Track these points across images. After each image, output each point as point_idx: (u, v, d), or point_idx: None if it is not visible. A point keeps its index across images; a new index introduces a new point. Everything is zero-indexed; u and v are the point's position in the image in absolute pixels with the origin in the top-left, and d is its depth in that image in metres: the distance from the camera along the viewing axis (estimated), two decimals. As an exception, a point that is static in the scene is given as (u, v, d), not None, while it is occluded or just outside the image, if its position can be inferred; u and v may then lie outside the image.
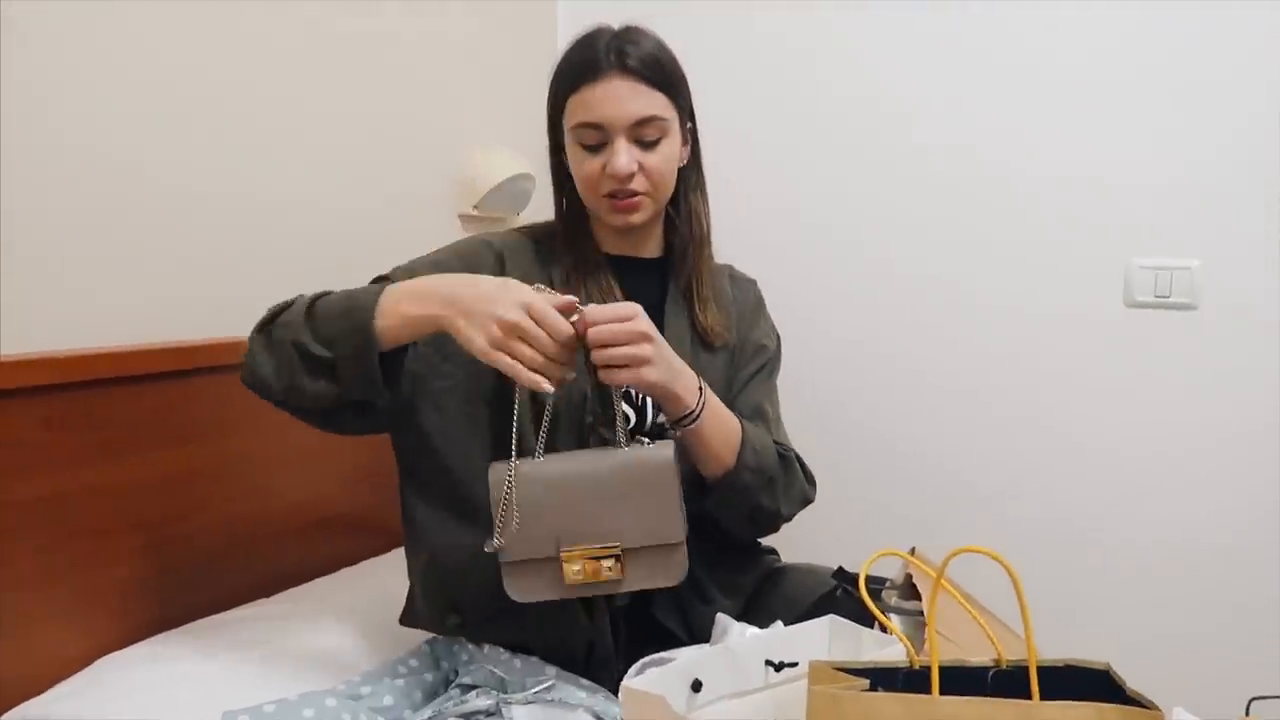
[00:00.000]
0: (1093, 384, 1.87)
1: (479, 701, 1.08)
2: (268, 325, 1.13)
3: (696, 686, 0.94)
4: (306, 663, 1.24)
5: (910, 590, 1.12)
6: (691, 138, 1.28)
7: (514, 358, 0.99)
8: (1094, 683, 0.80)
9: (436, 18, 1.89)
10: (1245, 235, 1.75)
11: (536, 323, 0.99)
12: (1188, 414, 1.81)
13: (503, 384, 1.13)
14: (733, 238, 1.41)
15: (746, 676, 0.97)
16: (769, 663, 0.98)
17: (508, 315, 0.99)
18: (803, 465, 1.33)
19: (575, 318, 1.03)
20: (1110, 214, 1.83)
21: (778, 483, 1.25)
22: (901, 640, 0.84)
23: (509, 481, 1.05)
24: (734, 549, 1.33)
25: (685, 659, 0.97)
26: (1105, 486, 1.87)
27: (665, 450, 1.07)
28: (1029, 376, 1.92)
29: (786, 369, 1.42)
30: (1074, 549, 1.89)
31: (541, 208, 1.62)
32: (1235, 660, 1.76)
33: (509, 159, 1.97)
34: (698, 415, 1.15)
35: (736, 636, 1.09)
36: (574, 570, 1.04)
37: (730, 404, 1.26)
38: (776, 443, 1.28)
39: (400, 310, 1.05)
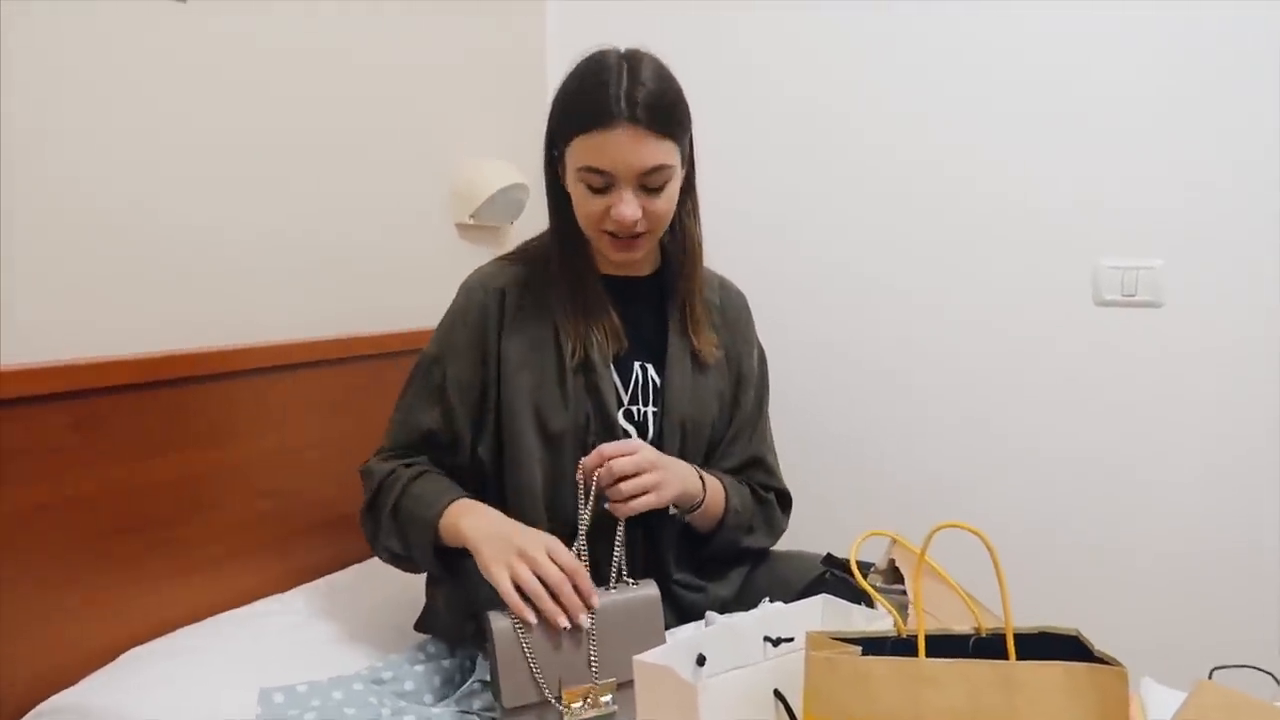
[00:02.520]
0: (1066, 377, 1.96)
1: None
2: (369, 514, 1.31)
3: (700, 661, 1.01)
4: (327, 651, 1.31)
5: (894, 575, 1.20)
6: (689, 163, 1.31)
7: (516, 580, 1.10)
8: (1065, 647, 0.88)
9: (431, 38, 1.96)
10: (1204, 235, 1.84)
11: (552, 558, 1.12)
12: (1154, 404, 1.90)
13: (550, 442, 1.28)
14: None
15: (746, 651, 1.04)
16: (767, 639, 1.06)
17: (529, 550, 1.12)
18: (780, 497, 1.46)
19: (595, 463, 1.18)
20: (1078, 216, 1.92)
21: (758, 527, 1.41)
22: (890, 610, 0.92)
23: (522, 638, 1.10)
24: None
25: (689, 636, 1.05)
26: (1078, 477, 1.95)
27: (651, 590, 1.16)
28: (1005, 373, 2.01)
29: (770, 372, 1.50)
30: (1047, 537, 1.98)
31: (533, 215, 1.69)
32: (1198, 636, 1.85)
33: (503, 170, 2.04)
34: (703, 500, 1.30)
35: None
36: (577, 707, 1.11)
37: (733, 441, 1.40)
38: (759, 486, 1.42)
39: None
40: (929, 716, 0.83)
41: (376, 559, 1.67)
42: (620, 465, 1.17)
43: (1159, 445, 1.90)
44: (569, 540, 1.16)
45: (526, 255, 1.38)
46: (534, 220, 1.51)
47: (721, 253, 1.46)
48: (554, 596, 1.10)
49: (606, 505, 1.19)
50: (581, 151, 1.21)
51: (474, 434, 1.30)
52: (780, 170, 2.17)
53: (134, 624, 1.33)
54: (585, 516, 1.16)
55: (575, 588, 1.11)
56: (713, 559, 1.39)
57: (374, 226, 1.84)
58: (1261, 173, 1.80)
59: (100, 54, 1.35)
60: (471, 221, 2.05)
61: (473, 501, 1.22)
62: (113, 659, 1.28)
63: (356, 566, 1.66)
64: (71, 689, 1.21)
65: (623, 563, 1.17)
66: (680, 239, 1.35)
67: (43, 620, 1.23)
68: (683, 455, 1.32)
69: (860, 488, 2.13)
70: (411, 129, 1.93)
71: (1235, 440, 1.85)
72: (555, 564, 1.11)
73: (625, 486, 1.17)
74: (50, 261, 1.30)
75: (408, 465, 1.29)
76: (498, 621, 1.10)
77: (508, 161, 2.07)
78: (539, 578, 1.10)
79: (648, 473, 1.19)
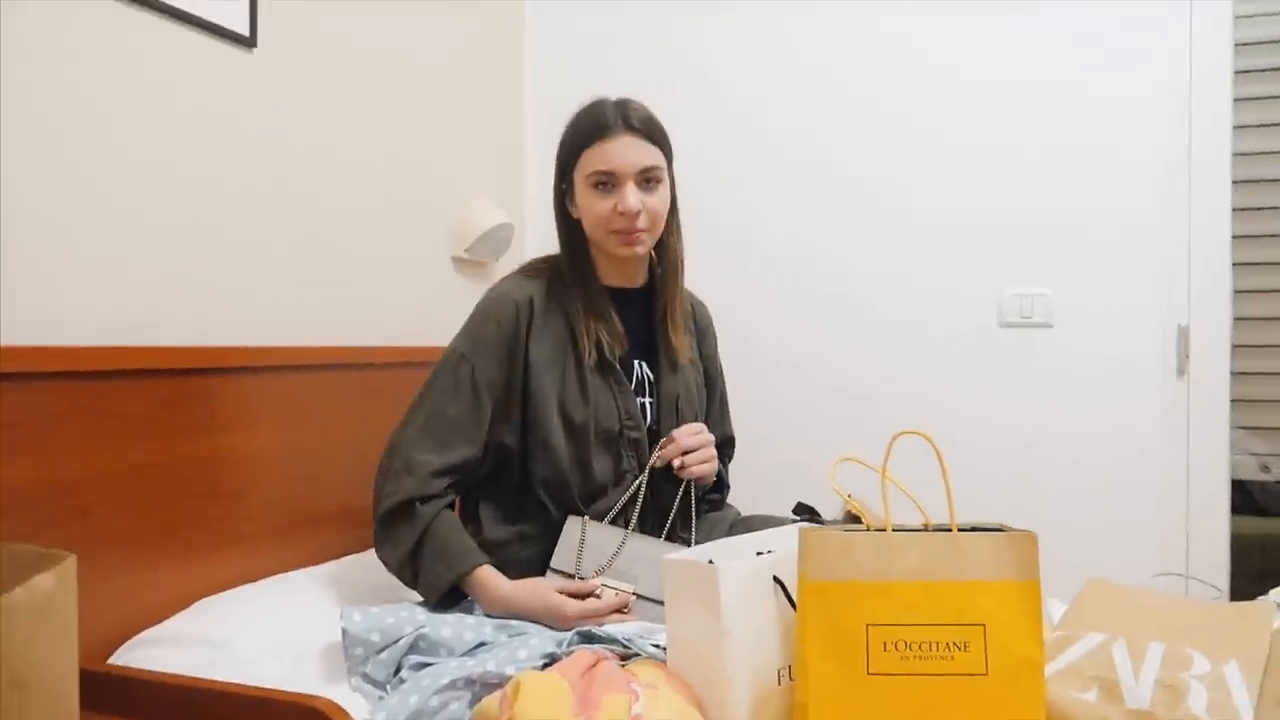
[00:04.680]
0: (975, 390, 2.30)
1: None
2: (385, 535, 1.47)
3: (710, 562, 1.27)
4: (378, 601, 1.52)
5: (850, 519, 1.49)
6: (671, 187, 1.57)
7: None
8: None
9: (435, 96, 2.26)
10: (1087, 268, 2.22)
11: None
12: (1049, 407, 2.25)
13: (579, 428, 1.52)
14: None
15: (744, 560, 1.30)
16: (758, 552, 1.32)
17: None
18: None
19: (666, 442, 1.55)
20: (987, 249, 2.29)
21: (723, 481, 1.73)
22: (859, 511, 1.21)
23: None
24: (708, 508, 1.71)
25: (701, 549, 1.31)
26: (987, 467, 2.26)
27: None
28: (925, 381, 2.33)
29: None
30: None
31: (516, 253, 1.96)
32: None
33: (494, 211, 2.32)
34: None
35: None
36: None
37: (712, 426, 1.69)
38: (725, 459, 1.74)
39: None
40: (896, 572, 1.11)
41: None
42: (689, 441, 1.54)
43: (1054, 440, 2.25)
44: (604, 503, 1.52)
45: (539, 272, 1.60)
46: (516, 258, 1.79)
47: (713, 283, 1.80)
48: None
49: (676, 470, 1.54)
50: (590, 161, 1.49)
51: (496, 426, 1.51)
52: (728, 191, 2.45)
53: (200, 580, 1.53)
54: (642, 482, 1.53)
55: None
56: (703, 518, 1.65)
57: (387, 255, 2.10)
58: (1137, 217, 2.19)
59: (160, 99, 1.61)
60: (466, 255, 2.32)
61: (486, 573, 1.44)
62: (183, 609, 1.47)
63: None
64: (160, 625, 1.40)
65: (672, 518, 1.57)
66: (666, 255, 1.62)
67: (124, 570, 1.41)
68: None
69: (794, 481, 2.38)
70: (417, 174, 2.20)
71: (1116, 433, 2.21)
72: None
73: (691, 457, 1.55)
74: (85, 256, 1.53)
75: (424, 500, 1.45)
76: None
77: (496, 203, 2.36)
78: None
79: (707, 446, 1.57)
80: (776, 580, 1.22)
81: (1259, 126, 2.30)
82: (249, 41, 1.72)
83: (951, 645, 1.09)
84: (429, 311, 2.22)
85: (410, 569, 1.43)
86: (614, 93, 1.59)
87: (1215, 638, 1.17)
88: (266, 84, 1.77)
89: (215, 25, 1.65)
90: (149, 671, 1.26)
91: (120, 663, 1.33)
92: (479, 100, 2.45)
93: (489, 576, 1.42)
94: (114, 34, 1.48)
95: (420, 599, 1.44)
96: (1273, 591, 1.32)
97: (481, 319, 1.54)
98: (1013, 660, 1.08)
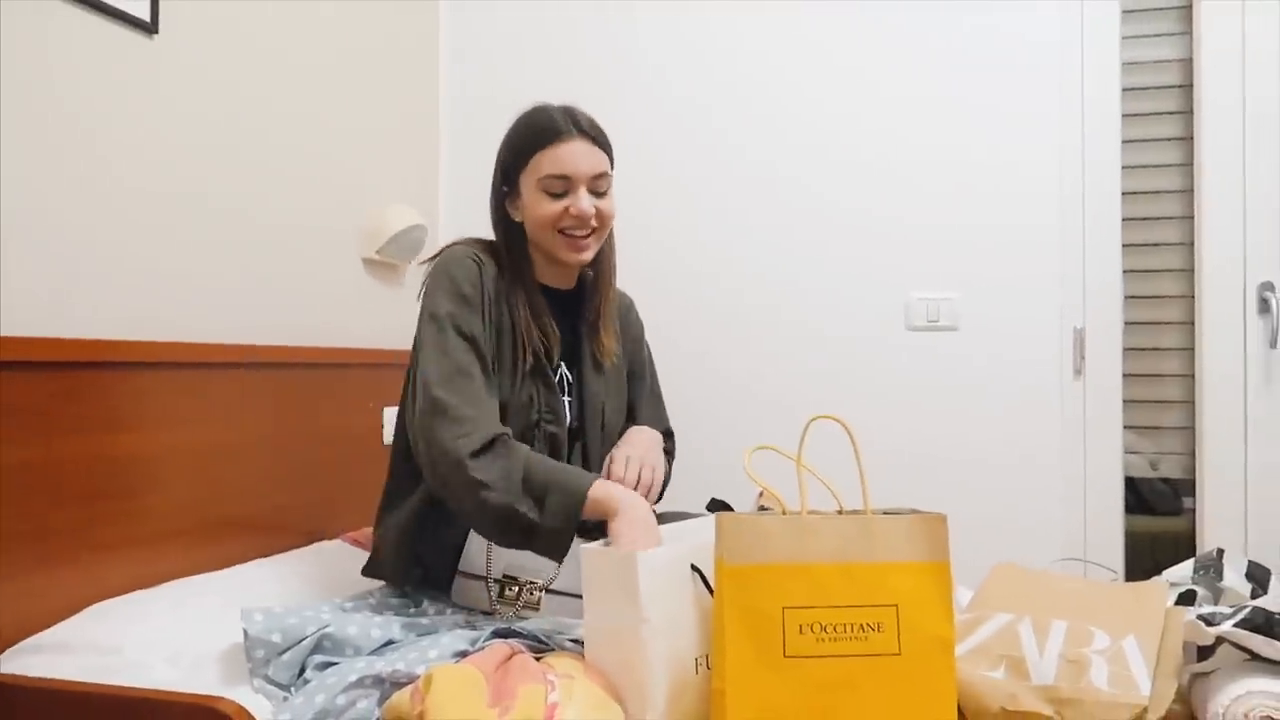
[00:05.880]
0: (883, 391, 2.35)
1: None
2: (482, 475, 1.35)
3: (628, 556, 1.26)
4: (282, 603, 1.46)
5: (763, 513, 1.50)
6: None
7: None
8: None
9: (346, 98, 2.21)
10: (991, 274, 2.30)
11: None
12: (955, 411, 2.31)
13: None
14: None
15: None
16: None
17: None
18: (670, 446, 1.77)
19: None
20: (893, 256, 2.35)
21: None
22: (772, 495, 1.21)
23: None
24: None
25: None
26: (893, 474, 2.29)
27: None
28: (830, 386, 2.36)
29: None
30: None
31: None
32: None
33: (406, 212, 2.28)
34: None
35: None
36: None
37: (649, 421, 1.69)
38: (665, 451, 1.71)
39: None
40: (811, 554, 1.12)
41: (307, 550, 1.85)
42: (630, 478, 1.48)
43: (959, 439, 2.30)
44: None
45: (487, 249, 1.55)
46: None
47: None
48: None
49: None
50: (541, 164, 1.47)
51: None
52: (640, 188, 2.37)
53: (91, 585, 1.45)
54: None
55: None
56: None
57: (295, 253, 2.04)
58: (1036, 224, 2.27)
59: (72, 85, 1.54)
60: (377, 257, 2.27)
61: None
62: (73, 614, 1.39)
63: (284, 555, 1.79)
64: (45, 632, 1.32)
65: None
66: (600, 259, 1.60)
67: (4, 576, 1.33)
68: (599, 432, 1.58)
69: (704, 473, 2.39)
70: (331, 178, 2.15)
71: (1018, 431, 2.27)
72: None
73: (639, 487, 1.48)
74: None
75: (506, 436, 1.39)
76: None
77: (409, 204, 2.32)
78: None
79: (644, 470, 1.50)
80: (694, 568, 1.22)
81: (1145, 141, 2.41)
82: (150, 27, 1.66)
83: (865, 626, 1.10)
84: (338, 312, 2.17)
85: (528, 499, 1.32)
86: (530, 92, 1.58)
87: (1114, 615, 1.22)
88: (168, 72, 1.71)
89: (115, 9, 1.59)
90: (34, 679, 1.18)
91: (-1, 672, 1.25)
92: (392, 98, 2.41)
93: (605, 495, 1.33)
94: (9, 16, 1.41)
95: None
96: (1165, 572, 1.38)
97: (447, 281, 1.47)
98: (925, 639, 1.10)
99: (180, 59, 1.74)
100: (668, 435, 1.77)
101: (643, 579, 1.16)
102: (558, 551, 1.34)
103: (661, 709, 1.14)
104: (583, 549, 1.22)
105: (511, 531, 1.34)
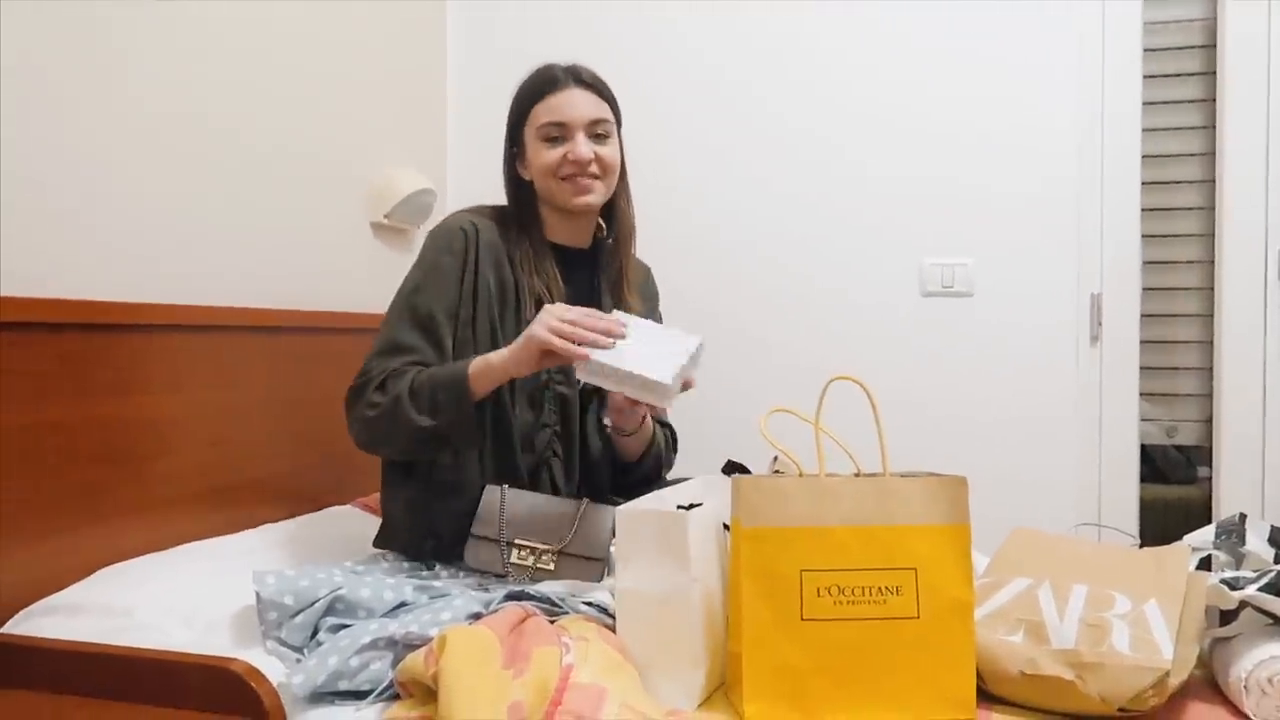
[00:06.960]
0: (897, 356, 2.32)
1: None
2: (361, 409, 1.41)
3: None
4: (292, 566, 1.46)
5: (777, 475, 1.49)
6: (621, 151, 1.55)
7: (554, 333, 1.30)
8: (921, 478, 1.18)
9: (353, 61, 2.18)
10: (1005, 239, 2.27)
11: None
12: (969, 377, 2.29)
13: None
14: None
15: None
16: (680, 505, 1.29)
17: (546, 318, 1.31)
18: (670, 436, 1.72)
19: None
20: (907, 221, 2.32)
21: (663, 459, 1.67)
22: (789, 458, 1.20)
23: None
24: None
25: (630, 503, 1.27)
26: (908, 439, 2.28)
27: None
28: (844, 351, 2.33)
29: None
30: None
31: (437, 220, 1.91)
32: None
33: (414, 176, 2.26)
34: (641, 424, 1.53)
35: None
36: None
37: None
38: (660, 423, 1.67)
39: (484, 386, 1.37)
40: (829, 516, 1.10)
41: (319, 515, 1.85)
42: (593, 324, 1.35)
43: (974, 405, 2.29)
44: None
45: (497, 214, 1.56)
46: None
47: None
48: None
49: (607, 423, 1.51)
50: (539, 114, 1.49)
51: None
52: (658, 148, 2.36)
53: (103, 548, 1.44)
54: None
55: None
56: (635, 485, 1.61)
57: (306, 217, 2.02)
58: (1052, 189, 2.24)
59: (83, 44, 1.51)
60: (386, 221, 2.25)
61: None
62: (84, 577, 1.39)
63: (295, 519, 1.79)
64: (58, 594, 1.32)
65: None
66: (618, 219, 1.60)
67: (16, 540, 1.32)
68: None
69: (719, 436, 2.38)
70: (339, 141, 2.12)
71: (1033, 398, 2.26)
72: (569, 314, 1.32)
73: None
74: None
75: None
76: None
77: (418, 169, 2.30)
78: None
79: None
80: (727, 527, 1.19)
81: (1166, 103, 2.37)
82: (154, -15, 1.63)
83: (884, 589, 1.09)
84: (348, 277, 2.15)
85: (423, 405, 1.36)
86: (539, 55, 1.56)
87: (1135, 579, 1.20)
88: (179, 32, 1.68)
89: (121, -35, 1.56)
90: (46, 639, 1.18)
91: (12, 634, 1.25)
92: (401, 63, 2.37)
93: (483, 360, 1.36)
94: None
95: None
96: (1187, 537, 1.36)
97: (432, 253, 1.50)
98: (944, 602, 1.09)
99: (190, 17, 1.70)
100: (666, 427, 1.72)
101: (692, 540, 1.12)
102: (470, 440, 1.39)
103: (707, 674, 1.13)
104: (619, 510, 1.19)
105: (425, 440, 1.37)
